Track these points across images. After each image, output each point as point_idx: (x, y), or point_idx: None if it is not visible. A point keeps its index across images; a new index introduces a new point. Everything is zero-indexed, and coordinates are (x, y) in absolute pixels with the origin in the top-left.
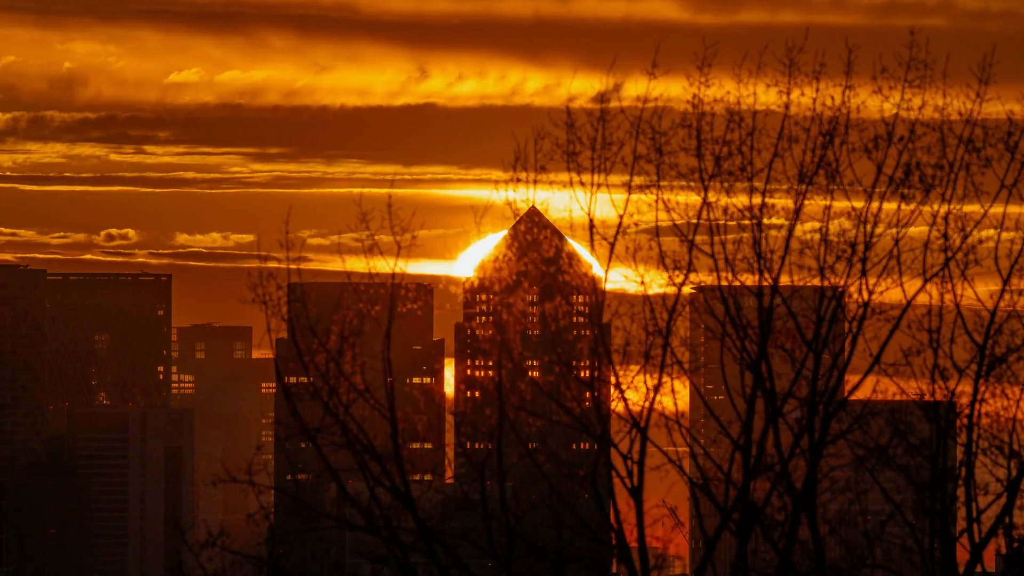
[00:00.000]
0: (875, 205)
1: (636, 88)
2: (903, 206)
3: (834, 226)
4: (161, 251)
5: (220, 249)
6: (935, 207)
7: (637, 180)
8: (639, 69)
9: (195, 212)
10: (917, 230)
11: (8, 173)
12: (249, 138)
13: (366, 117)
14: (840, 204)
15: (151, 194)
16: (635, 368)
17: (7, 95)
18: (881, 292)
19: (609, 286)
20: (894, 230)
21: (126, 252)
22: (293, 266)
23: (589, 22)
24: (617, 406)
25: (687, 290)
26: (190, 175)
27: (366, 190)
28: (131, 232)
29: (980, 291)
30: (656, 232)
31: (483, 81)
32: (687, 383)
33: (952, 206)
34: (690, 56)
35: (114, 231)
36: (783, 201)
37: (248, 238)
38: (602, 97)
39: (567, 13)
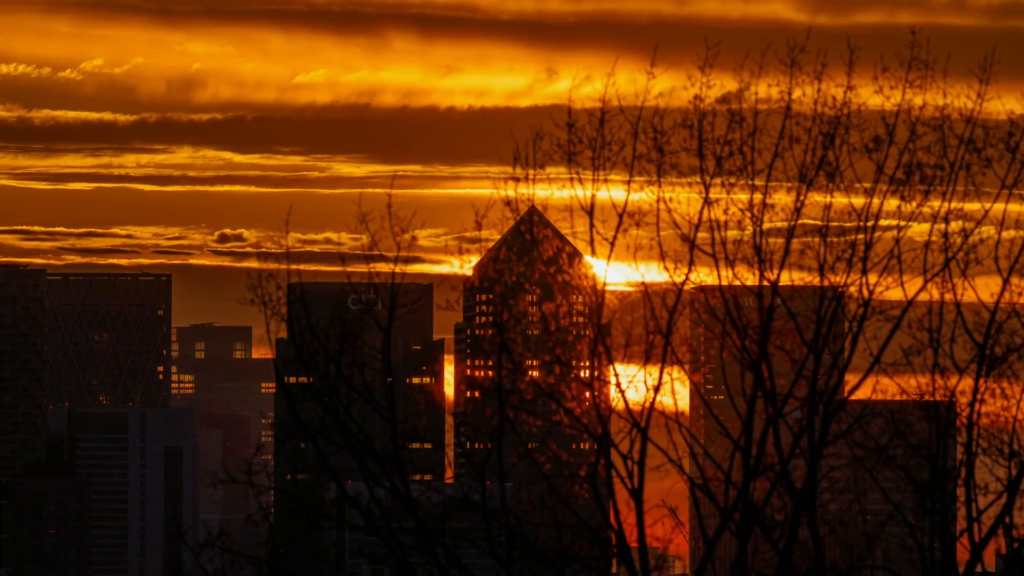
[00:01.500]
0: (876, 204)
1: (766, 89)
2: (903, 206)
3: (835, 226)
4: (271, 250)
5: (330, 249)
6: (936, 207)
7: (637, 180)
8: (773, 69)
9: (314, 212)
10: (918, 228)
11: (131, 173)
12: (373, 139)
13: (494, 118)
14: (840, 203)
15: (273, 195)
16: (635, 368)
17: (127, 96)
18: (881, 292)
19: (609, 286)
20: (894, 230)
21: (238, 252)
22: (293, 267)
23: (708, 22)
24: (617, 406)
25: (688, 287)
26: (313, 175)
27: (482, 191)
28: (246, 232)
29: (980, 291)
30: (657, 232)
31: (612, 81)
32: (687, 383)
33: (952, 206)
34: (809, 56)
35: (228, 231)
36: (784, 201)
37: (364, 239)
38: (730, 98)
39: (685, 13)
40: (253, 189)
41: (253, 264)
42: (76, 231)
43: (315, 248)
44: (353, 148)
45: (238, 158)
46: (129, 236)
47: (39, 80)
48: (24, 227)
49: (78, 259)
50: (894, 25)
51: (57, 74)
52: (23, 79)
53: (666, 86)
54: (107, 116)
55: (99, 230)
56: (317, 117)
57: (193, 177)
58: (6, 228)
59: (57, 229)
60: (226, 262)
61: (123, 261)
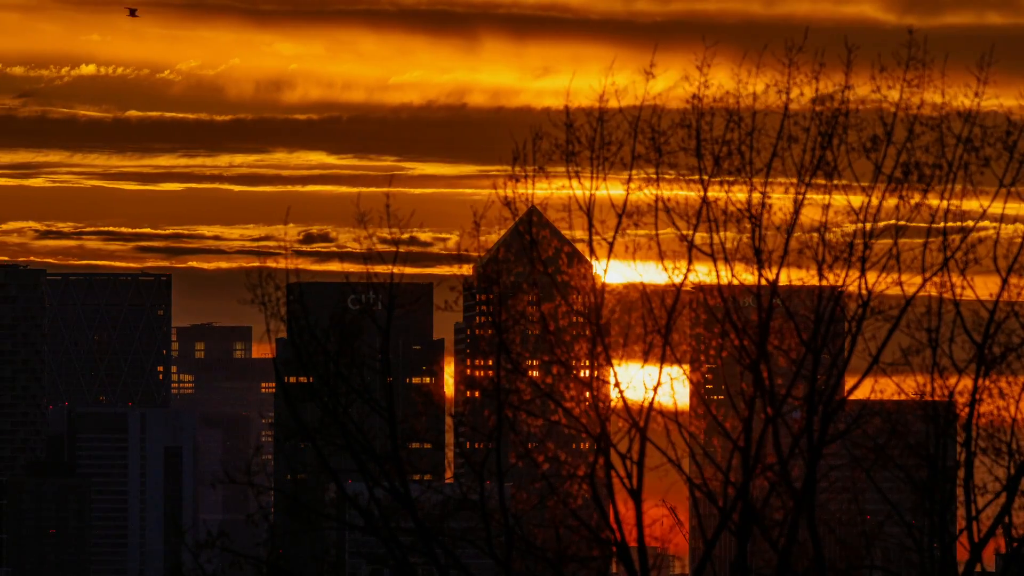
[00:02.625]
0: (874, 204)
1: (864, 89)
2: (902, 205)
3: (833, 226)
4: (352, 250)
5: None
6: (934, 206)
7: (636, 180)
8: (862, 70)
9: (405, 213)
10: (916, 228)
11: (224, 173)
12: (466, 141)
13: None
14: (839, 203)
15: (365, 195)
16: (634, 367)
17: (216, 97)
18: (880, 292)
19: (607, 285)
20: (893, 229)
21: (322, 252)
22: (292, 267)
23: (797, 22)
24: (616, 406)
25: (687, 286)
26: (404, 174)
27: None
28: (332, 232)
29: (979, 290)
30: (655, 231)
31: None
32: (687, 383)
33: (951, 205)
34: (898, 57)
35: (315, 230)
36: (782, 200)
37: (450, 237)
38: (827, 99)
39: (774, 13)
40: (345, 189)
41: (335, 266)
42: (162, 231)
43: (403, 248)
44: (446, 149)
45: (330, 159)
46: (216, 237)
47: (133, 81)
48: (111, 227)
49: (161, 262)
50: (983, 26)
51: (150, 75)
52: (118, 80)
53: (760, 87)
54: (203, 116)
55: (184, 231)
56: (413, 118)
57: (286, 177)
58: (91, 229)
59: (143, 230)
60: (307, 263)
61: (206, 265)
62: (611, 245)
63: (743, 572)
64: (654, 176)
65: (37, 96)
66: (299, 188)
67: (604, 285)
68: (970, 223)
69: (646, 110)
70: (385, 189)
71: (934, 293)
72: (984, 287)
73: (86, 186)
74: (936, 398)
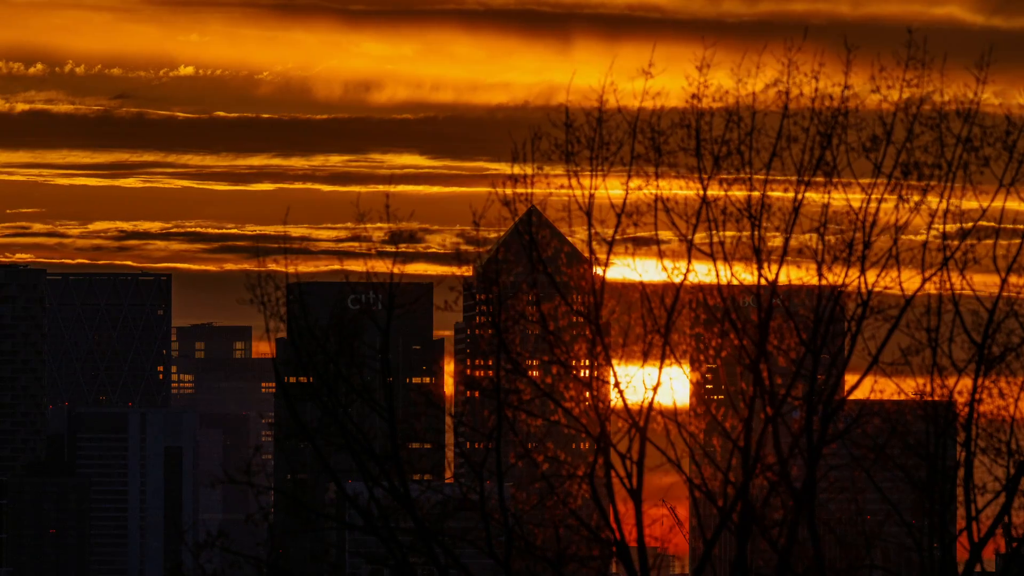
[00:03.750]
0: (873, 205)
1: (956, 90)
2: (901, 205)
3: (832, 226)
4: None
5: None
6: (934, 206)
7: (636, 180)
8: (953, 70)
9: (493, 213)
10: (916, 226)
11: (316, 173)
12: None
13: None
14: (839, 202)
15: (458, 195)
16: (634, 367)
17: (304, 97)
18: (880, 292)
19: (607, 285)
20: (892, 229)
21: (408, 253)
22: (291, 268)
23: (883, 22)
24: (616, 406)
25: (687, 282)
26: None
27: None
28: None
29: (979, 290)
30: (655, 231)
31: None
32: (687, 383)
33: (951, 204)
34: (976, 57)
35: (404, 228)
36: (782, 201)
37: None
38: (913, 102)
39: (860, 14)
40: (437, 189)
41: (424, 268)
42: (248, 231)
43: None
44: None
45: (422, 159)
46: (303, 238)
47: (229, 81)
48: (198, 228)
49: (236, 265)
50: None
51: (245, 75)
52: (214, 81)
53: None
54: (296, 115)
55: (271, 230)
56: (509, 118)
57: (379, 176)
58: (177, 229)
59: (230, 230)
60: (381, 265)
61: (289, 268)
62: (611, 245)
63: (743, 572)
64: (653, 176)
65: (135, 97)
66: (390, 188)
67: (604, 285)
68: (970, 223)
69: (645, 110)
70: (477, 189)
71: (933, 292)
72: (984, 287)
73: (176, 186)
74: (936, 398)
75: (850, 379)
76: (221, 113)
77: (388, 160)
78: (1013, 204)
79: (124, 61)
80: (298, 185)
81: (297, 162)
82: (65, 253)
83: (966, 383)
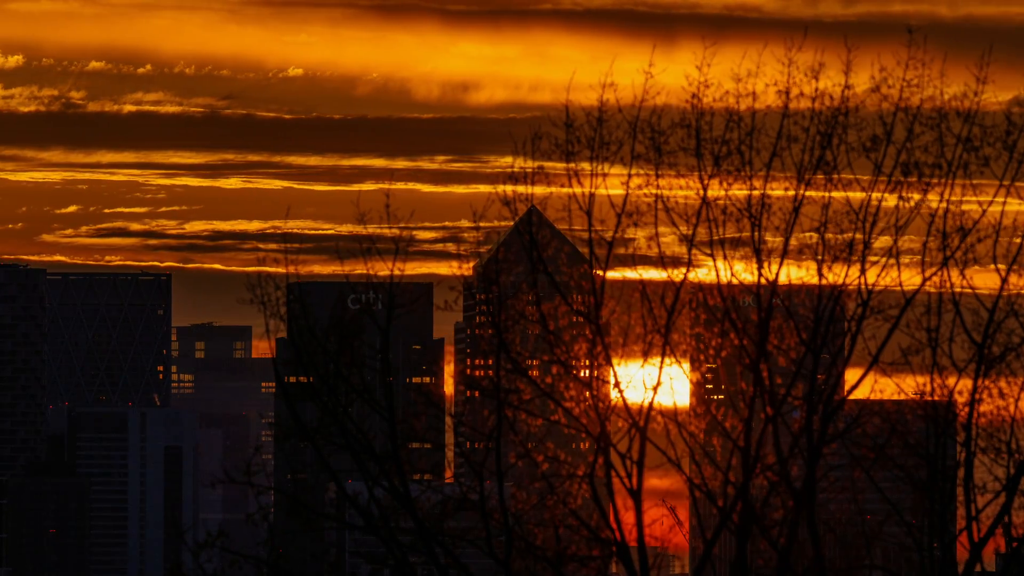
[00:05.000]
0: (873, 204)
1: (1015, 88)
2: (901, 205)
3: (832, 226)
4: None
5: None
6: (934, 206)
7: (636, 180)
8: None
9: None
10: (916, 227)
11: (419, 174)
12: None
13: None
14: (839, 202)
15: (554, 196)
16: (634, 366)
17: (403, 99)
18: (880, 291)
19: (608, 285)
20: (892, 229)
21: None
22: (292, 269)
23: (981, 23)
24: (616, 405)
25: (688, 277)
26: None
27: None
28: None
29: (979, 291)
30: (655, 231)
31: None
32: (687, 383)
33: (951, 205)
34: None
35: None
36: (782, 201)
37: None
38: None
39: (958, 15)
40: (539, 189)
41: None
42: (338, 232)
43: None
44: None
45: (521, 159)
46: (401, 239)
47: (334, 82)
48: (296, 229)
49: (324, 268)
50: None
51: (349, 76)
52: (319, 82)
53: (956, 89)
54: (401, 115)
55: (360, 231)
56: (610, 119)
57: (483, 175)
58: (273, 230)
59: (326, 231)
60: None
61: (380, 270)
62: (611, 245)
63: (743, 572)
64: (654, 175)
65: (242, 98)
66: (489, 188)
67: (604, 284)
68: (969, 223)
69: (645, 110)
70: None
71: (933, 291)
72: (984, 287)
73: (277, 187)
74: (936, 398)
75: (850, 379)
76: (324, 114)
77: (488, 160)
78: (1013, 204)
79: (232, 62)
80: (399, 185)
81: (400, 162)
82: (156, 256)
83: (966, 383)
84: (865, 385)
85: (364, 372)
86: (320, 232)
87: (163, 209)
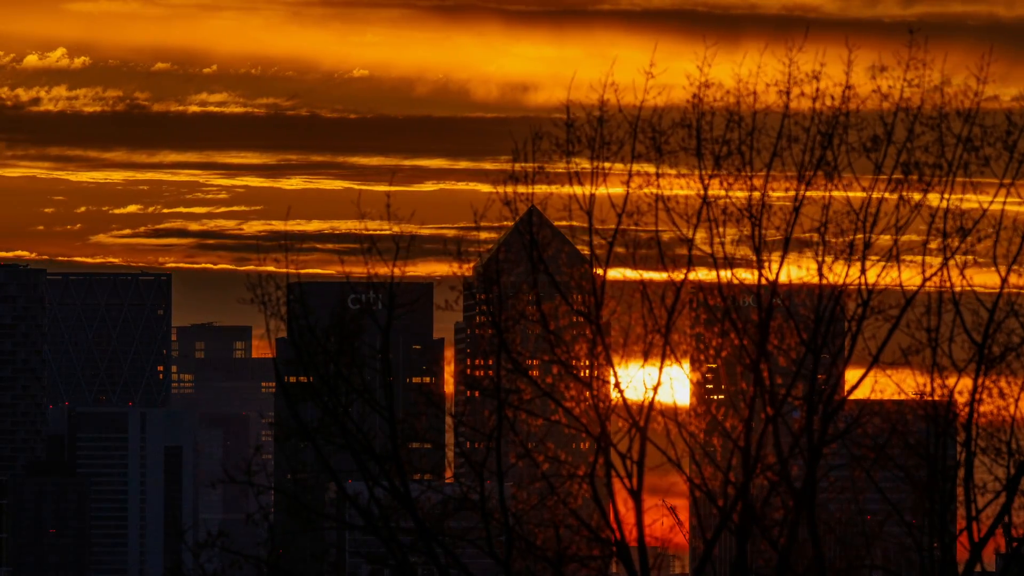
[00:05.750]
0: (874, 204)
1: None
2: (902, 205)
3: (833, 226)
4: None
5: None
6: (934, 206)
7: (636, 180)
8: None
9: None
10: (916, 227)
11: (482, 174)
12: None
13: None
14: (839, 201)
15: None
16: (635, 366)
17: (461, 99)
18: (880, 291)
19: (608, 285)
20: (892, 229)
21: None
22: (292, 270)
23: (1018, 23)
24: (616, 403)
25: (689, 277)
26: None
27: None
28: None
29: (979, 290)
30: (655, 231)
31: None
32: (687, 382)
33: (951, 205)
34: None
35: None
36: (782, 201)
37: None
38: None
39: (1015, 15)
40: (602, 190)
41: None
42: (387, 232)
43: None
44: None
45: (585, 163)
46: (463, 240)
47: (396, 83)
48: (351, 230)
49: (360, 269)
50: None
51: (411, 76)
52: (378, 82)
53: (1009, 91)
54: (469, 115)
55: (427, 231)
56: (671, 119)
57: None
58: (331, 230)
59: (383, 231)
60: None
61: (417, 271)
62: (611, 244)
63: (743, 572)
64: (653, 178)
65: (306, 97)
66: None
67: (604, 284)
68: (970, 223)
69: (646, 110)
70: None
71: (933, 291)
72: (984, 287)
73: (338, 187)
74: (936, 398)
75: (850, 379)
76: (387, 113)
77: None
78: (1014, 204)
79: (296, 63)
80: (460, 185)
81: (462, 163)
82: (210, 258)
83: (966, 383)
84: (865, 385)
85: (364, 372)
86: (374, 232)
87: (222, 209)
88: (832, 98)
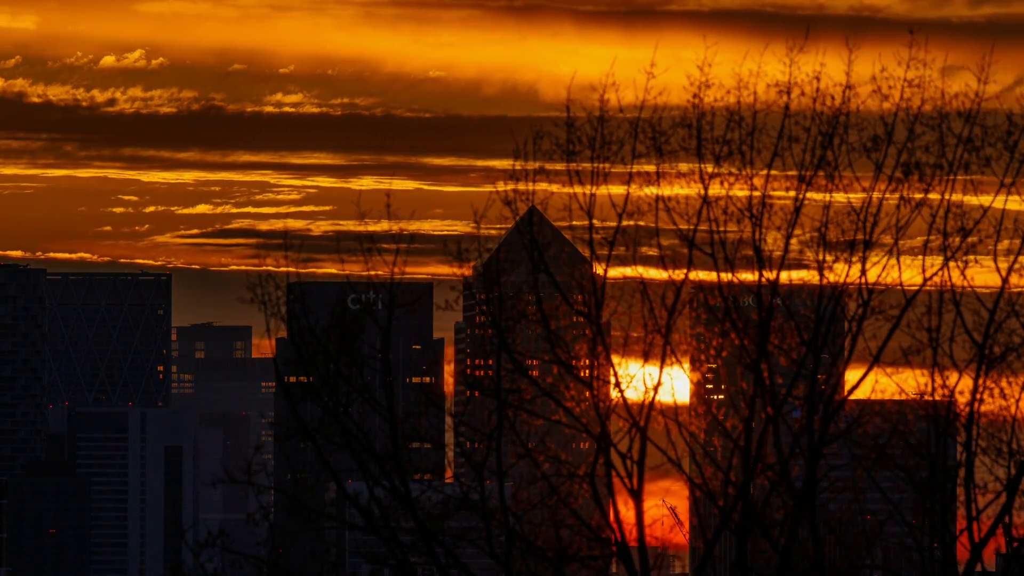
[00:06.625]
0: (874, 204)
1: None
2: (902, 205)
3: (833, 226)
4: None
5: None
6: (934, 207)
7: (636, 180)
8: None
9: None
10: (917, 227)
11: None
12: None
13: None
14: (839, 201)
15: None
16: (635, 366)
17: (530, 99)
18: (881, 291)
19: (608, 285)
20: (893, 230)
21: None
22: (292, 269)
23: None
24: (616, 402)
25: (689, 277)
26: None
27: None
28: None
29: (979, 290)
30: (656, 231)
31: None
32: (687, 382)
33: (951, 205)
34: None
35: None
36: (783, 201)
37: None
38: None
39: None
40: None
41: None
42: (457, 232)
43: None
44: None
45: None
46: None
47: (468, 83)
48: (419, 230)
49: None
50: None
51: (481, 77)
52: (444, 83)
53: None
54: (547, 115)
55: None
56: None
57: (616, 175)
58: (396, 230)
59: (451, 231)
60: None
61: (450, 270)
62: (611, 244)
63: (743, 572)
64: (654, 178)
65: (381, 97)
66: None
67: (604, 284)
68: (970, 223)
69: (646, 109)
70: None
71: (934, 291)
72: (984, 287)
73: (410, 188)
74: (937, 398)
75: (851, 379)
76: (458, 112)
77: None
78: (1014, 204)
79: (369, 63)
80: (529, 186)
81: (533, 163)
82: (275, 258)
83: (967, 383)
84: (866, 385)
85: (364, 372)
86: (438, 232)
87: (292, 210)
88: (832, 98)
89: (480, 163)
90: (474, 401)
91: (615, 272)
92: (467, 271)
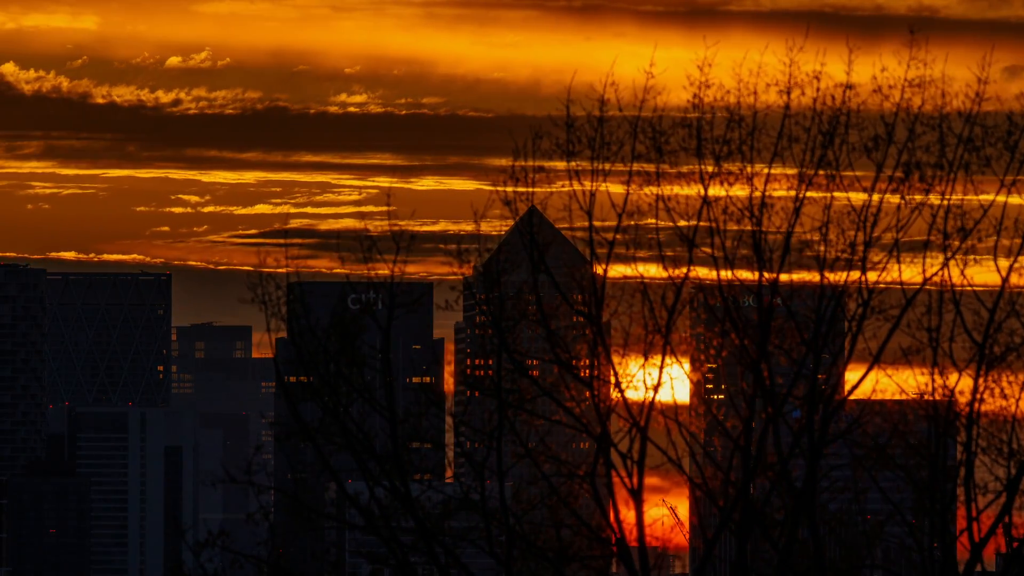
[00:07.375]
0: (875, 204)
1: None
2: (902, 205)
3: (834, 225)
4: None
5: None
6: (935, 207)
7: (636, 180)
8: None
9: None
10: (917, 227)
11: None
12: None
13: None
14: (840, 201)
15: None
16: (635, 366)
17: (591, 99)
18: (881, 291)
19: (608, 285)
20: (893, 230)
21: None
22: (292, 269)
23: None
24: (617, 405)
25: (688, 279)
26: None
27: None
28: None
29: (979, 289)
30: (656, 231)
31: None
32: (687, 382)
33: (951, 205)
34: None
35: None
36: (783, 200)
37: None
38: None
39: None
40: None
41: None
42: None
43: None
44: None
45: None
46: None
47: (515, 84)
48: (462, 230)
49: (443, 268)
50: None
51: (540, 76)
52: (504, 84)
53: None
54: (611, 115)
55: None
56: (801, 122)
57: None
58: (454, 232)
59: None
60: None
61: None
62: (611, 244)
63: (743, 572)
64: (654, 178)
65: (445, 96)
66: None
67: (604, 284)
68: (971, 222)
69: (646, 110)
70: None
71: (934, 290)
72: (984, 287)
73: (470, 187)
74: (937, 397)
75: (851, 378)
76: (523, 112)
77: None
78: (1014, 203)
79: (432, 63)
80: (585, 187)
81: (586, 164)
82: (322, 261)
83: (967, 382)
84: (866, 385)
85: (364, 372)
86: (476, 232)
87: (351, 210)
88: (833, 98)
89: (535, 162)
90: (474, 401)
91: (615, 272)
92: (467, 271)
